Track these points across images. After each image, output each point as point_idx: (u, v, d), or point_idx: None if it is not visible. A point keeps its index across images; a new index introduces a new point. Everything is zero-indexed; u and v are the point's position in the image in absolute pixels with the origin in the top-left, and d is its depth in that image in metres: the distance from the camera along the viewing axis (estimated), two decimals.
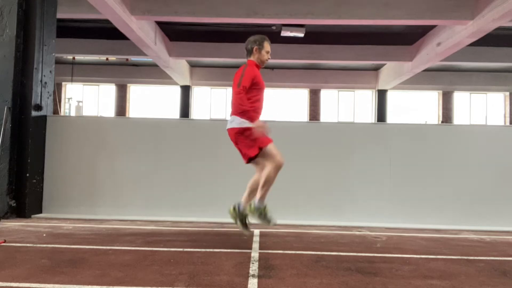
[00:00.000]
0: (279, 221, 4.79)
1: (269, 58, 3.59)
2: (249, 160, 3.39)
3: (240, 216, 3.46)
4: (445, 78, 15.83)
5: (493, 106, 17.09)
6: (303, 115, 17.12)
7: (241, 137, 3.35)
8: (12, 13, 5.00)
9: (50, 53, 5.39)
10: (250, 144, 3.32)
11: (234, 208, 3.48)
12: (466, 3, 8.09)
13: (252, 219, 3.48)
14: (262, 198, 3.35)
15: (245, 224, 3.48)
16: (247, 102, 3.30)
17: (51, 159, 5.25)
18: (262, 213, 3.34)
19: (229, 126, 3.40)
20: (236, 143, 3.44)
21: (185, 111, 16.38)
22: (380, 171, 5.07)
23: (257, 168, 3.49)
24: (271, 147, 3.32)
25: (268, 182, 3.30)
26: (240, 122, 3.31)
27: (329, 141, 5.15)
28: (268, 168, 3.30)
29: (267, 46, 3.54)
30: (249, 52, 3.54)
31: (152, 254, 3.20)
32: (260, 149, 3.30)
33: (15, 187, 4.96)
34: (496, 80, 15.83)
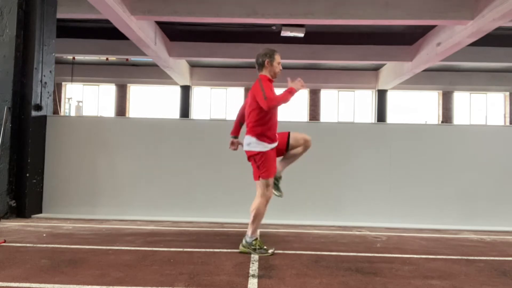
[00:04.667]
0: (279, 221, 4.82)
1: (280, 69, 3.60)
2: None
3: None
4: (445, 78, 15.82)
5: (493, 106, 17.08)
6: (303, 115, 17.11)
7: (252, 160, 3.41)
8: (12, 13, 5.00)
9: (50, 53, 5.39)
10: (255, 169, 3.39)
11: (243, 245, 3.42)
12: (466, 3, 8.08)
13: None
14: (253, 233, 3.37)
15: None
16: (280, 97, 3.29)
17: (51, 159, 5.25)
18: (256, 247, 3.33)
19: (246, 148, 3.42)
20: (248, 160, 3.50)
21: (185, 111, 16.38)
22: (380, 171, 5.06)
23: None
24: (269, 182, 3.36)
25: (258, 216, 3.35)
26: (255, 146, 3.35)
27: (329, 141, 5.15)
28: (257, 201, 3.36)
29: (277, 57, 3.54)
30: (261, 66, 3.53)
31: (152, 254, 3.20)
32: (259, 178, 3.35)
33: (15, 187, 4.96)
34: (496, 80, 15.82)
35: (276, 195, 3.50)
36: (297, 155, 3.52)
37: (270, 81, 3.53)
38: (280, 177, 3.57)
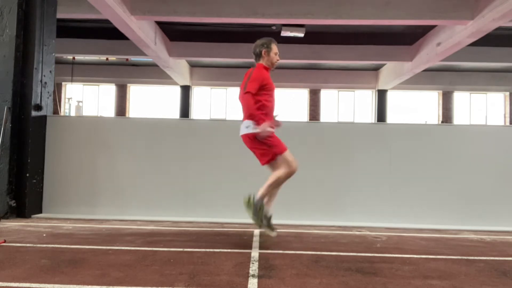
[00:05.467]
0: (279, 221, 4.82)
1: (278, 60, 3.60)
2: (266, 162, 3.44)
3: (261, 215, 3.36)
4: (445, 78, 15.84)
5: (493, 106, 17.09)
6: (303, 115, 17.12)
7: (256, 142, 3.37)
8: (12, 13, 5.00)
9: (50, 53, 5.39)
10: (265, 151, 3.35)
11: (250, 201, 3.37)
12: (466, 3, 8.09)
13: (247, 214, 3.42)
14: (263, 196, 3.35)
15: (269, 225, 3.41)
16: (254, 106, 3.30)
17: (51, 159, 5.25)
18: (257, 212, 3.30)
19: (243, 132, 3.40)
20: (251, 148, 3.46)
21: (185, 111, 16.39)
22: (380, 171, 5.06)
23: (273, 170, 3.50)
24: (287, 154, 3.35)
25: (275, 183, 3.33)
26: (254, 128, 3.34)
27: (329, 141, 5.15)
28: (281, 171, 3.33)
29: (274, 47, 3.55)
30: (258, 56, 3.54)
31: (152, 254, 3.20)
32: (276, 156, 3.32)
33: (15, 187, 4.96)
34: (496, 80, 15.83)
35: (271, 235, 3.46)
36: (280, 184, 3.47)
37: (266, 69, 3.52)
38: (271, 216, 3.52)
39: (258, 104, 3.36)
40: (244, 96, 3.30)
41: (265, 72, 3.46)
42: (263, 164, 3.44)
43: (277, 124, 3.56)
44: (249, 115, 3.34)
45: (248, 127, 3.37)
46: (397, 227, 4.79)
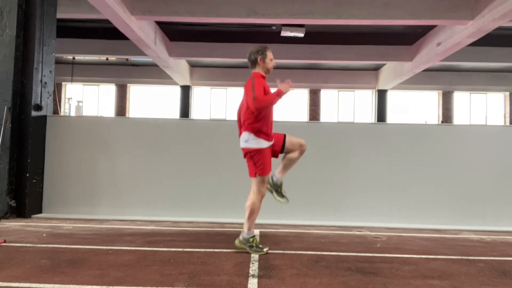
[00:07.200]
0: (279, 221, 4.83)
1: (273, 66, 3.62)
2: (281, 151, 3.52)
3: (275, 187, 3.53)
4: (445, 78, 15.82)
5: (493, 106, 17.08)
6: (303, 115, 17.11)
7: (248, 156, 3.42)
8: (12, 13, 5.00)
9: (50, 53, 5.39)
10: (252, 167, 3.41)
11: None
12: (466, 3, 8.09)
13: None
14: (250, 229, 3.39)
15: (280, 194, 3.56)
16: (266, 97, 3.32)
17: (51, 159, 5.25)
18: (252, 245, 3.35)
19: (243, 145, 3.43)
20: (244, 157, 3.50)
21: (185, 111, 16.38)
22: (380, 171, 5.06)
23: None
24: (265, 179, 3.40)
25: (253, 212, 3.38)
26: (253, 142, 3.36)
27: (329, 141, 5.15)
28: (252, 197, 3.40)
29: (269, 54, 3.57)
30: (254, 63, 3.55)
31: (152, 254, 3.20)
32: (255, 175, 3.37)
33: (15, 187, 4.96)
34: (496, 80, 15.82)
35: (282, 202, 3.54)
36: (294, 161, 3.54)
37: (263, 77, 3.54)
38: (281, 184, 3.58)
39: (263, 113, 3.39)
40: (256, 103, 3.27)
41: (263, 81, 3.49)
42: (250, 176, 3.48)
43: (284, 85, 3.48)
44: (272, 101, 3.34)
45: (247, 141, 3.40)
46: (397, 227, 4.79)
